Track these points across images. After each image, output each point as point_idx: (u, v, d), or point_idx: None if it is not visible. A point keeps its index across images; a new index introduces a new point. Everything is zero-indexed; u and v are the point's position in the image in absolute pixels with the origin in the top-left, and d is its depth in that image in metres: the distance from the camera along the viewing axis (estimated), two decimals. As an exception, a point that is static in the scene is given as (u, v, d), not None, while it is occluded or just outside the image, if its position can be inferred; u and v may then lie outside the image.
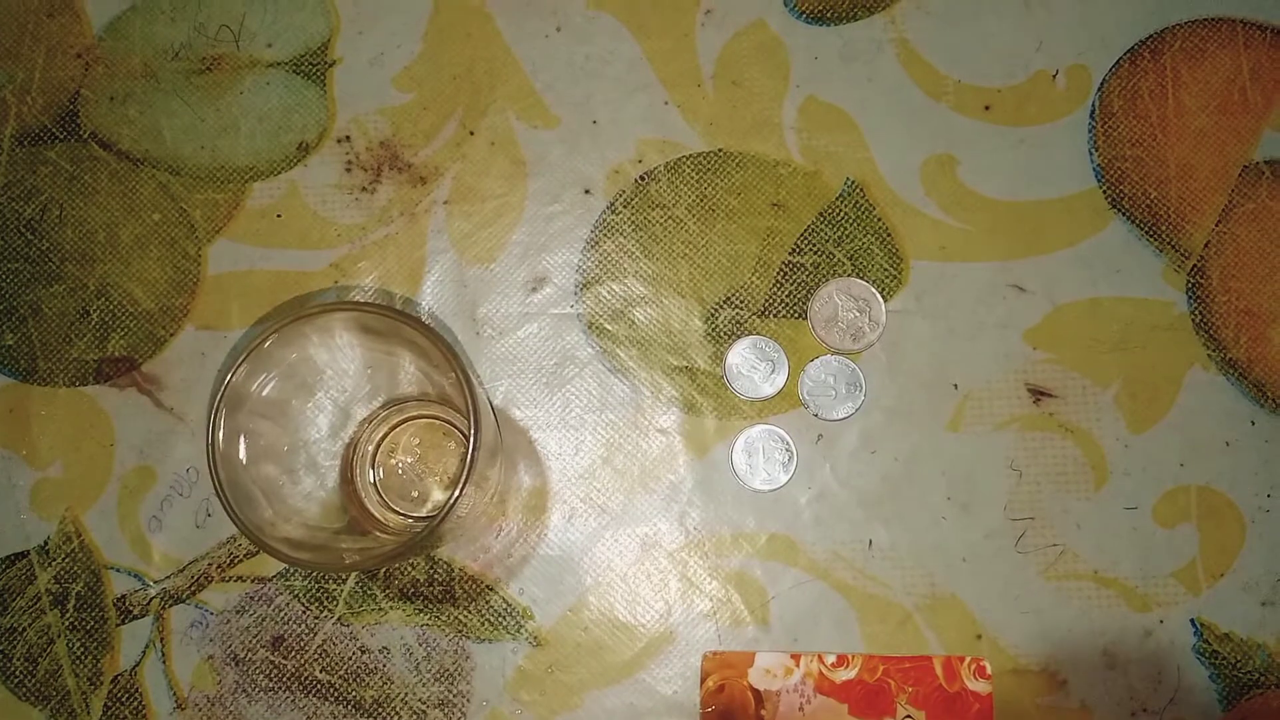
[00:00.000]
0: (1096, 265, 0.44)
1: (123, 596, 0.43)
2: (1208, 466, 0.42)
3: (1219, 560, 0.42)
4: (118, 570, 0.43)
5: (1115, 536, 0.42)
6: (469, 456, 0.32)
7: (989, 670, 0.41)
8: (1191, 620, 0.41)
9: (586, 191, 0.45)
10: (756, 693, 0.41)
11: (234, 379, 0.32)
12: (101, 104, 0.46)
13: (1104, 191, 0.44)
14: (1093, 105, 0.45)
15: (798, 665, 0.41)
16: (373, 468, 0.42)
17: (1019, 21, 0.46)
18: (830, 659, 0.41)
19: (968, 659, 0.41)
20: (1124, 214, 0.44)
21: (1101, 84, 0.45)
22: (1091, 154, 0.45)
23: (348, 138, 0.46)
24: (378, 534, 0.40)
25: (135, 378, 0.44)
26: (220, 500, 0.31)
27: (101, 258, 0.45)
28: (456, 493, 0.32)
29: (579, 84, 0.46)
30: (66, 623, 0.43)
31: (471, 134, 0.46)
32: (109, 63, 0.47)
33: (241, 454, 0.33)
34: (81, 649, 0.43)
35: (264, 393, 0.35)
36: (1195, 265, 0.44)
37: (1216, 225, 0.44)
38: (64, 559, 0.43)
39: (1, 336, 0.45)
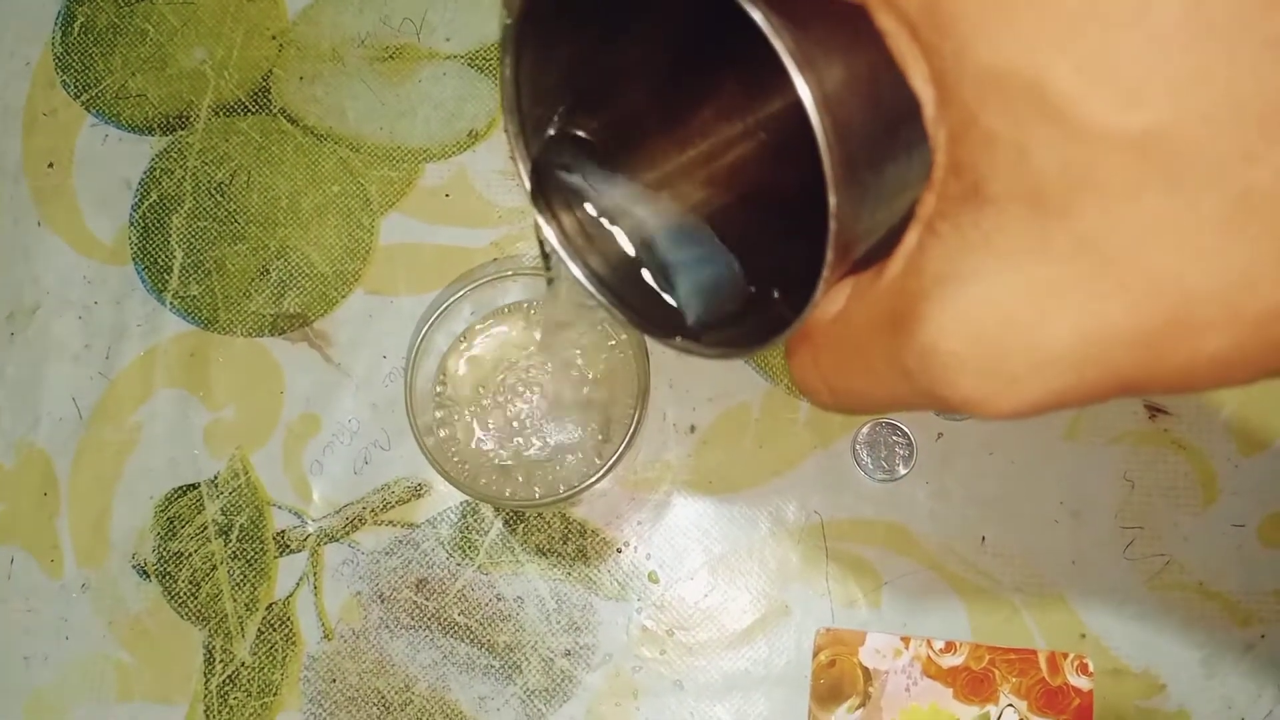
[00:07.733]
0: (1217, 293, 0.46)
1: (282, 532, 0.47)
2: (1316, 493, 0.44)
3: (1323, 583, 0.43)
4: (279, 507, 0.47)
5: (1221, 552, 0.44)
6: (630, 430, 0.35)
7: (1091, 668, 0.43)
8: (1292, 639, 0.43)
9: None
10: (866, 670, 0.43)
11: (431, 326, 0.35)
12: (291, 83, 0.51)
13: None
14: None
15: (907, 648, 0.43)
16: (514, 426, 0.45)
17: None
18: (939, 644, 0.43)
19: (1071, 655, 0.43)
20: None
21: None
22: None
23: (514, 127, 0.49)
24: (517, 477, 0.43)
25: (307, 333, 0.48)
26: (410, 420, 0.35)
27: (283, 222, 0.49)
28: (601, 474, 0.35)
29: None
30: (229, 551, 0.47)
31: (628, 131, 0.49)
32: (300, 46, 0.51)
33: (427, 394, 0.37)
34: (241, 577, 0.46)
35: (445, 347, 0.38)
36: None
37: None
38: (231, 493, 0.47)
39: (188, 287, 0.49)
